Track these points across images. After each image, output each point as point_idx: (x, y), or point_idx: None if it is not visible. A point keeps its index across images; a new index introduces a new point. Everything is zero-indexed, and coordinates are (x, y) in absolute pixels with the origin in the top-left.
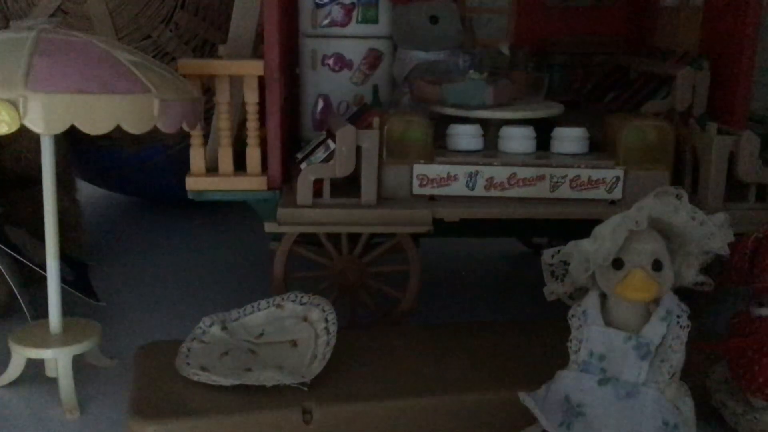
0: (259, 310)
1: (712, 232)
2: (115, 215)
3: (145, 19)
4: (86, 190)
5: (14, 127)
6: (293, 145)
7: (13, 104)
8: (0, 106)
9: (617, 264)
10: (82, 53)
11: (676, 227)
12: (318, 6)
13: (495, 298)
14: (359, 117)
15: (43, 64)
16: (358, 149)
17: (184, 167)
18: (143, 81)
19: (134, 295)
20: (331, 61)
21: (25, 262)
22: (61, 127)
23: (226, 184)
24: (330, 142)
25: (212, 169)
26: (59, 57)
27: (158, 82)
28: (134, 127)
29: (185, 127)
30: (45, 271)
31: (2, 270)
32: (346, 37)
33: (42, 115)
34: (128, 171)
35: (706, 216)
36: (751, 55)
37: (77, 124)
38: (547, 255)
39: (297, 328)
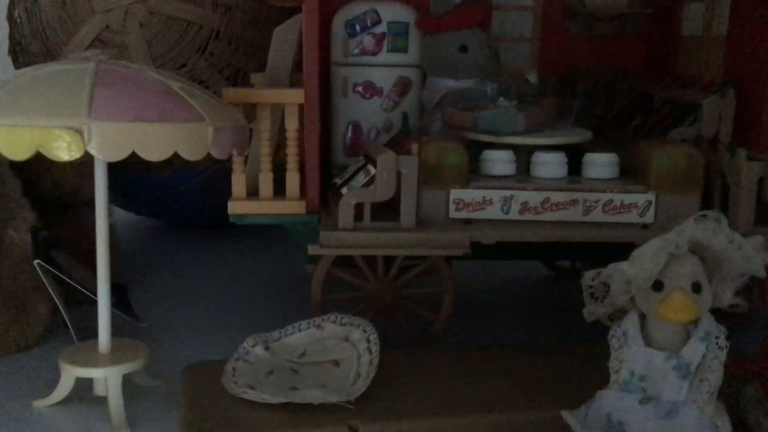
0: (300, 330)
1: (749, 255)
2: (147, 239)
3: (180, 49)
4: (117, 215)
5: (78, 154)
6: (325, 170)
7: (78, 132)
8: (65, 134)
9: (657, 286)
10: (138, 83)
11: (714, 250)
12: (349, 36)
13: (522, 319)
14: (396, 143)
15: (104, 94)
16: (398, 174)
17: (213, 192)
18: (197, 109)
19: (171, 317)
20: (361, 89)
21: (73, 284)
22: (121, 154)
23: (266, 208)
24: (370, 167)
25: (251, 193)
26: (118, 87)
27: (209, 109)
28: (190, 153)
29: (235, 153)
30: (90, 292)
31: (51, 292)
32: (376, 65)
33: (104, 142)
34: (159, 195)
35: (743, 239)
36: None
37: (137, 151)
38: (587, 277)
39: (338, 348)
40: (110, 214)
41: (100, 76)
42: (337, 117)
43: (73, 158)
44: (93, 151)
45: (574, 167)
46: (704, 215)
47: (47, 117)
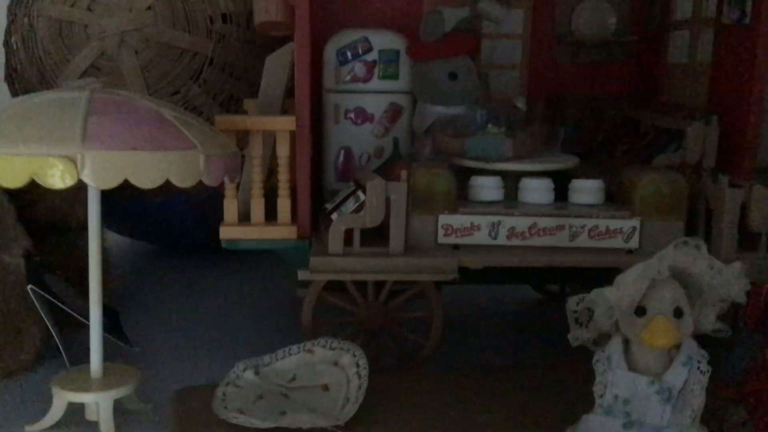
0: (291, 355)
1: (729, 281)
2: (140, 263)
3: (174, 76)
4: (110, 239)
5: (72, 182)
6: (317, 195)
7: (72, 160)
8: (59, 162)
9: (640, 311)
10: (132, 111)
11: (695, 276)
12: (341, 63)
13: (511, 342)
14: (386, 169)
15: (98, 123)
16: (387, 200)
17: (206, 216)
18: (190, 137)
19: (163, 341)
20: (353, 115)
21: (66, 309)
22: (114, 182)
23: (258, 233)
24: (360, 193)
25: (242, 218)
26: (112, 115)
27: (201, 137)
28: (182, 181)
29: (226, 180)
30: (83, 317)
31: (44, 317)
32: (367, 92)
33: (97, 170)
34: (153, 220)
35: (724, 266)
36: (758, 111)
37: (130, 179)
38: (571, 302)
39: (328, 372)
40: (103, 238)
41: (94, 105)
42: (329, 142)
43: (66, 186)
44: (86, 179)
45: (562, 192)
46: (685, 242)
47: (42, 145)
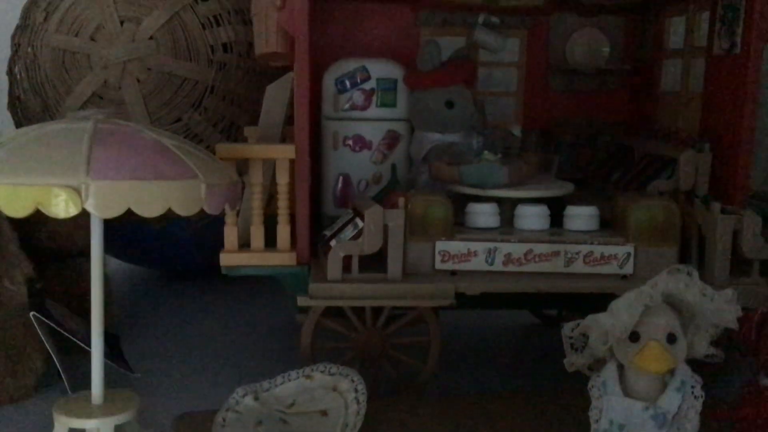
0: (289, 380)
1: (721, 308)
2: (141, 288)
3: (176, 104)
4: (111, 264)
5: (75, 211)
6: (315, 220)
7: (76, 190)
8: (64, 192)
9: (634, 337)
10: (135, 142)
11: (688, 302)
12: (340, 92)
13: (508, 367)
14: (384, 197)
15: (102, 153)
16: (385, 227)
17: (206, 241)
18: (191, 167)
19: (163, 366)
20: (351, 142)
21: (67, 335)
22: (118, 212)
23: (257, 259)
24: (358, 220)
25: (242, 244)
26: (115, 146)
27: (203, 166)
28: (184, 210)
29: (227, 208)
30: (84, 343)
31: (45, 343)
32: (366, 119)
33: (101, 200)
34: (154, 245)
35: (716, 292)
36: (748, 139)
37: (132, 208)
38: (567, 328)
39: (327, 398)
40: (104, 264)
41: (98, 136)
42: (328, 169)
43: (70, 215)
44: (90, 209)
45: (557, 219)
46: (677, 269)
47: (46, 176)
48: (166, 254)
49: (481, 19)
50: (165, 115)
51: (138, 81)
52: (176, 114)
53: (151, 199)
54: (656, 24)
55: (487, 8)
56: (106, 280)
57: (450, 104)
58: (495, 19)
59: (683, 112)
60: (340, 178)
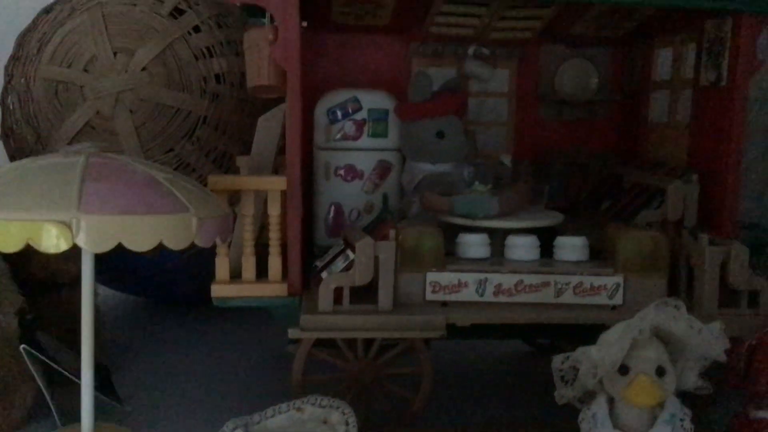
0: (280, 413)
1: (709, 341)
2: (131, 317)
3: (168, 134)
4: (102, 292)
5: (66, 246)
6: (307, 250)
7: (67, 225)
8: (54, 227)
9: (623, 370)
10: (126, 176)
11: (676, 335)
12: (331, 122)
13: (501, 397)
14: (375, 228)
15: (93, 188)
16: (376, 259)
17: (199, 270)
18: (182, 200)
19: (154, 398)
20: (343, 172)
21: (56, 368)
22: (109, 246)
23: (249, 291)
24: (349, 252)
25: (234, 275)
26: (107, 180)
27: (194, 199)
28: (175, 243)
29: (218, 241)
30: (74, 376)
31: (35, 376)
32: (357, 149)
33: (92, 235)
34: (146, 274)
35: (704, 325)
36: (736, 171)
37: (123, 243)
38: (556, 361)
39: (318, 430)
40: (95, 294)
41: (90, 170)
42: (320, 199)
43: (61, 251)
44: (81, 244)
45: (548, 248)
46: (665, 302)
47: (38, 211)
48: (158, 283)
49: (471, 50)
50: (157, 146)
51: (131, 112)
52: (169, 144)
53: (142, 233)
54: (644, 55)
55: (478, 39)
56: (97, 310)
57: (441, 135)
58: (485, 50)
59: (671, 142)
60: (332, 207)
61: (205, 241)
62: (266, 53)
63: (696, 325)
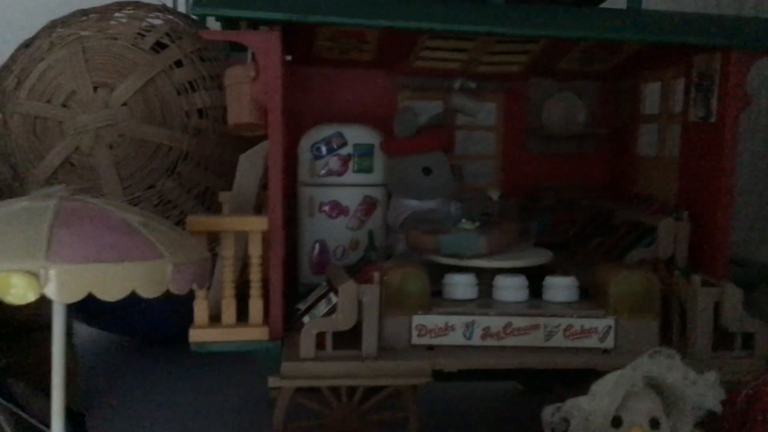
0: None
1: (704, 391)
2: (110, 356)
3: (149, 170)
4: (82, 331)
5: (34, 297)
6: (291, 288)
7: (34, 275)
8: (21, 278)
9: (616, 422)
10: (98, 221)
11: (670, 386)
12: (316, 157)
13: None
14: (359, 269)
15: (62, 236)
16: (360, 302)
17: (180, 307)
18: (157, 246)
19: None
20: (327, 208)
21: (25, 416)
22: (78, 296)
23: (228, 335)
24: (332, 295)
25: (214, 317)
26: (78, 227)
27: (170, 244)
28: (148, 292)
29: (195, 288)
30: (46, 425)
31: (4, 426)
32: (342, 185)
33: (61, 285)
34: (125, 311)
35: (698, 376)
36: (727, 208)
37: (94, 293)
38: (546, 413)
39: None
40: (72, 335)
41: (60, 216)
42: (304, 235)
43: (28, 301)
44: (49, 294)
45: (537, 287)
46: (658, 351)
47: (4, 261)
48: (139, 321)
49: (457, 84)
50: (138, 182)
51: (110, 148)
52: (150, 180)
53: (114, 282)
54: (632, 89)
55: (464, 73)
56: (74, 353)
57: (427, 171)
58: (472, 84)
59: (660, 177)
60: (317, 244)
61: (180, 288)
62: (247, 90)
63: (691, 375)
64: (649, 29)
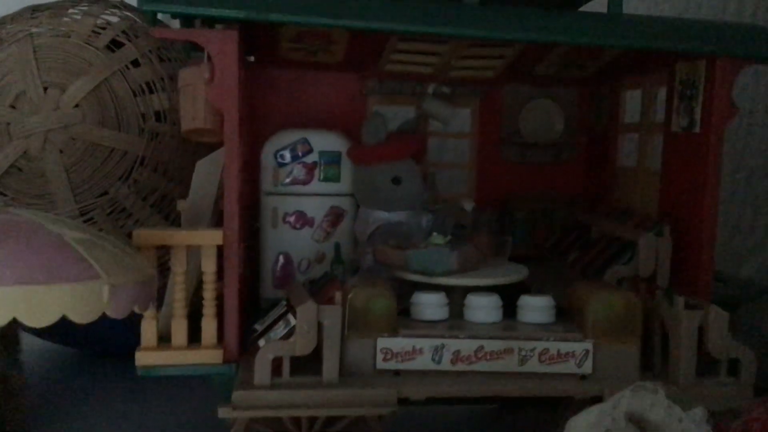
0: None
1: (690, 429)
2: (60, 371)
3: (102, 176)
4: (28, 343)
5: None
6: (251, 304)
7: None
8: None
9: None
10: (28, 239)
11: (653, 423)
12: (280, 165)
13: None
14: (322, 287)
15: None
16: (320, 325)
17: (136, 319)
18: (93, 265)
19: None
20: (292, 219)
21: None
22: (2, 322)
23: (179, 358)
24: (290, 316)
25: (163, 338)
26: (5, 244)
27: (109, 263)
28: (81, 317)
29: (136, 310)
30: None
31: None
32: (307, 194)
33: None
34: (79, 325)
35: (684, 413)
36: (711, 222)
37: (19, 318)
38: None
39: None
40: (20, 349)
41: None
42: (267, 247)
43: None
44: None
45: (512, 304)
46: (641, 386)
47: None
48: (91, 333)
49: (431, 89)
50: (90, 188)
51: (61, 152)
52: (103, 187)
53: (42, 306)
54: (612, 96)
55: (437, 78)
56: (20, 370)
57: (397, 180)
58: (446, 89)
59: (641, 188)
60: (280, 257)
61: (118, 312)
62: (202, 93)
63: (675, 412)
64: (631, 34)
